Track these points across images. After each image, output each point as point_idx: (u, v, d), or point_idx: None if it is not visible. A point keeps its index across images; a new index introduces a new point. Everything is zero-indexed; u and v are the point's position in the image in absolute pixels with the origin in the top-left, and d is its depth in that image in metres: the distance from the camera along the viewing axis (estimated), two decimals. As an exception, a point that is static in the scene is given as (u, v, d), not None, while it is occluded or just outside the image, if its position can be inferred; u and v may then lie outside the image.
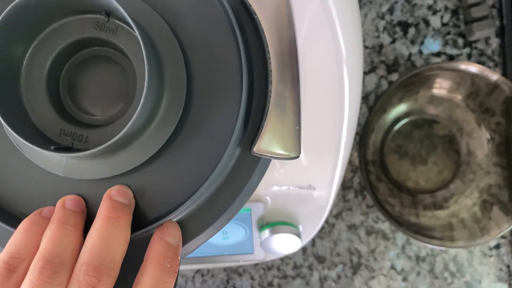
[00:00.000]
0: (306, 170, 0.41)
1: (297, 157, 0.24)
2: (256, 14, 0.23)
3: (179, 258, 0.21)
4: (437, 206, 0.58)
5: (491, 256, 0.60)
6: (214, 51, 0.23)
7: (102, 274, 0.19)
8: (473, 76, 0.52)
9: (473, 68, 0.51)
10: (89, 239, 0.20)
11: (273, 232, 0.44)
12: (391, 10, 0.59)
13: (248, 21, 0.24)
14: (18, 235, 0.21)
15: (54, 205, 0.22)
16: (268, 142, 0.22)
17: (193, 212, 0.23)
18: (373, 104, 0.58)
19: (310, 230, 0.47)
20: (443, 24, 0.58)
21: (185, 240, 0.23)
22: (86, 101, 0.24)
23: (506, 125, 0.54)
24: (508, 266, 0.60)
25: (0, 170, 0.23)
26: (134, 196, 0.23)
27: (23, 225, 0.21)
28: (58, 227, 0.20)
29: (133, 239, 0.21)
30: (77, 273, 0.19)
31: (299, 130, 0.23)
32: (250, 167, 0.23)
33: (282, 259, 0.61)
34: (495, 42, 0.58)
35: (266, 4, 0.23)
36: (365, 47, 0.59)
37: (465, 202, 0.57)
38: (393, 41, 0.59)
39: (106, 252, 0.20)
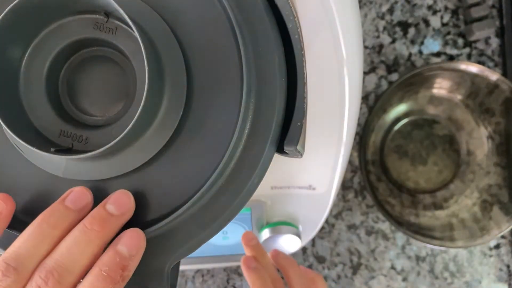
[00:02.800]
0: (306, 170, 0.41)
1: (302, 155, 0.24)
2: (295, 16, 0.23)
3: (127, 268, 0.21)
4: (437, 206, 0.58)
5: (491, 256, 0.60)
6: (214, 51, 0.23)
7: (52, 279, 0.19)
8: (473, 76, 0.52)
9: (473, 68, 0.50)
10: (61, 243, 0.20)
11: (273, 232, 0.44)
12: (391, 10, 0.59)
13: (247, 21, 0.24)
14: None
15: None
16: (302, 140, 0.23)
17: (194, 212, 0.23)
18: (373, 104, 0.58)
19: (310, 230, 0.47)
20: (443, 24, 0.58)
21: (186, 241, 0.23)
22: (86, 102, 0.24)
23: (506, 125, 0.54)
24: (508, 266, 0.60)
25: None
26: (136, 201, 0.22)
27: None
28: (35, 227, 0.20)
29: None
30: (35, 273, 0.19)
31: (302, 126, 0.24)
32: (251, 168, 0.23)
33: (282, 259, 0.61)
34: (495, 42, 0.58)
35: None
36: (365, 47, 0.59)
37: (465, 202, 0.57)
38: (393, 41, 0.59)
39: (64, 260, 0.20)
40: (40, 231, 0.20)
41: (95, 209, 0.21)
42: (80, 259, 0.20)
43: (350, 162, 0.59)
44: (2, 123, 0.20)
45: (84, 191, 0.22)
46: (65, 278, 0.19)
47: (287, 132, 0.24)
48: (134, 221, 0.22)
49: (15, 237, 0.21)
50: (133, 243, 0.21)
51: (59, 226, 0.21)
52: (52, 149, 0.21)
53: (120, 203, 0.22)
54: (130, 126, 0.20)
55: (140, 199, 0.23)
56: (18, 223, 0.22)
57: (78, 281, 0.20)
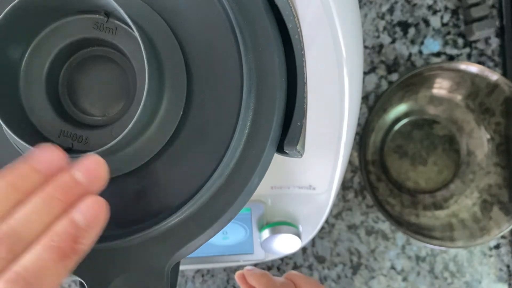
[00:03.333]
0: (306, 170, 0.41)
1: (302, 155, 0.24)
2: (295, 17, 0.23)
3: (81, 240, 0.18)
4: (437, 206, 0.58)
5: (491, 256, 0.60)
6: (214, 51, 0.23)
7: (4, 246, 0.17)
8: (473, 76, 0.52)
9: (473, 68, 0.50)
10: (19, 208, 0.18)
11: (273, 232, 0.44)
12: (391, 10, 0.59)
13: (248, 21, 0.24)
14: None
15: None
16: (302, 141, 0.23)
17: (194, 212, 0.23)
18: (373, 104, 0.58)
19: (310, 230, 0.47)
20: (443, 24, 0.58)
21: (186, 241, 0.23)
22: (86, 102, 0.24)
23: (506, 125, 0.54)
24: (508, 266, 0.60)
25: None
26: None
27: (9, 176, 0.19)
28: None
29: (126, 244, 0.21)
30: None
31: (302, 126, 0.24)
32: (251, 168, 0.23)
33: (282, 259, 0.61)
34: (495, 42, 0.58)
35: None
36: (365, 47, 0.59)
37: (465, 202, 0.57)
38: (393, 41, 0.59)
39: (20, 227, 0.18)
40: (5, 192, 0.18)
41: (61, 175, 0.19)
42: (37, 228, 0.18)
43: (350, 162, 0.59)
44: (2, 123, 0.20)
45: (59, 152, 0.19)
46: (17, 246, 0.18)
47: (287, 132, 0.24)
48: (134, 221, 0.22)
49: None
50: (91, 212, 0.19)
51: (21, 189, 0.18)
52: None
53: (89, 169, 0.19)
54: (130, 126, 0.20)
55: (140, 199, 0.23)
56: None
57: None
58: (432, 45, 0.58)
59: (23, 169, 0.19)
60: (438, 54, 0.58)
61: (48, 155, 0.19)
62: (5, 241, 0.17)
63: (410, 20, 0.59)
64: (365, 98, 0.59)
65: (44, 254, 0.18)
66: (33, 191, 0.19)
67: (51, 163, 0.19)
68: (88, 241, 0.19)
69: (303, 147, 0.24)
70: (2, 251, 0.17)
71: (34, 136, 0.22)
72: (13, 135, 0.20)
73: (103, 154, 0.21)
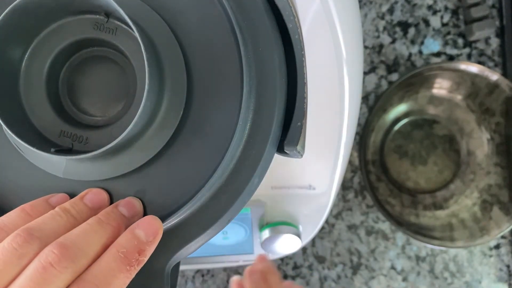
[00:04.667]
0: (306, 170, 0.41)
1: (302, 155, 0.24)
2: (295, 17, 0.23)
3: (144, 253, 0.21)
4: (437, 206, 0.58)
5: (491, 256, 0.60)
6: (214, 51, 0.23)
7: (66, 255, 0.18)
8: (473, 76, 0.52)
9: (473, 68, 0.51)
10: (76, 228, 0.20)
11: (273, 232, 0.44)
12: (391, 10, 0.59)
13: (247, 21, 0.24)
14: (12, 212, 0.21)
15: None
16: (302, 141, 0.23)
17: (194, 213, 0.23)
18: (373, 104, 0.58)
19: (310, 230, 0.47)
20: (443, 24, 0.58)
21: (186, 241, 0.23)
22: (86, 102, 0.24)
23: (506, 125, 0.54)
24: (508, 266, 0.60)
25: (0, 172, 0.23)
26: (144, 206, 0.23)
27: (24, 205, 0.21)
28: (54, 212, 0.21)
29: None
30: (45, 248, 0.19)
31: (302, 126, 0.24)
32: (251, 168, 0.23)
33: (282, 259, 0.61)
34: (495, 42, 0.58)
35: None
36: (365, 47, 0.59)
37: (465, 202, 0.57)
38: (393, 41, 0.59)
39: (80, 240, 0.19)
40: (58, 214, 0.20)
41: (108, 208, 0.22)
42: (94, 243, 0.20)
43: (350, 162, 0.59)
44: (2, 124, 0.20)
45: (102, 192, 0.22)
46: (78, 257, 0.19)
47: (287, 132, 0.24)
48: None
49: None
50: (151, 228, 0.21)
51: (77, 218, 0.21)
52: (52, 149, 0.21)
53: (131, 206, 0.22)
54: (130, 126, 0.20)
55: (140, 199, 0.23)
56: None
57: (89, 265, 0.20)
58: (432, 45, 0.58)
59: (76, 204, 0.21)
60: (438, 54, 0.58)
61: (95, 194, 0.22)
62: (67, 250, 0.19)
63: (410, 20, 0.59)
64: (365, 98, 0.59)
65: (113, 264, 0.19)
66: (80, 217, 0.21)
67: (99, 201, 0.22)
68: (148, 254, 0.21)
69: (303, 147, 0.24)
70: (62, 260, 0.18)
71: (34, 136, 0.22)
72: (13, 135, 0.20)
73: (103, 154, 0.21)
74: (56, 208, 0.21)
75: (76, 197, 0.22)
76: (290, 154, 0.24)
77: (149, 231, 0.21)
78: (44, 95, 0.22)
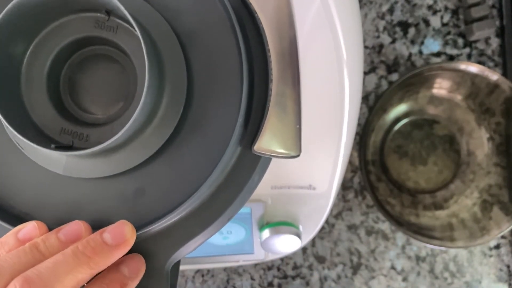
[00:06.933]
0: (306, 170, 0.41)
1: (298, 155, 0.24)
2: (256, 13, 0.23)
3: (126, 286, 0.21)
4: (437, 206, 0.58)
5: (491, 256, 0.60)
6: (215, 50, 0.23)
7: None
8: (473, 76, 0.52)
9: (473, 68, 0.51)
10: (49, 259, 0.20)
11: (273, 232, 0.44)
12: (391, 10, 0.59)
13: (249, 20, 0.24)
14: None
15: (54, 204, 0.22)
16: (268, 141, 0.22)
17: (194, 211, 0.23)
18: (373, 104, 0.58)
19: (310, 230, 0.47)
20: (443, 24, 0.58)
21: (186, 239, 0.23)
22: (87, 100, 0.24)
23: (506, 125, 0.54)
24: (508, 266, 0.60)
25: (0, 169, 0.23)
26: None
27: None
28: (21, 249, 0.20)
29: None
30: (11, 283, 0.19)
31: (299, 129, 0.23)
32: (251, 166, 0.23)
33: (282, 259, 0.61)
34: (495, 42, 0.58)
35: (267, 3, 0.23)
36: (365, 47, 0.59)
37: (465, 202, 0.57)
38: (393, 41, 0.59)
39: (48, 273, 0.19)
40: (24, 250, 0.20)
41: (92, 235, 0.21)
42: (64, 279, 0.19)
43: (350, 162, 0.59)
44: (3, 120, 0.20)
45: (78, 223, 0.22)
46: None
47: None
48: (135, 219, 0.22)
49: None
50: (134, 265, 0.22)
51: (45, 254, 0.20)
52: (53, 146, 0.21)
53: (117, 232, 0.21)
54: (130, 122, 0.20)
55: (140, 197, 0.23)
56: (18, 220, 0.22)
57: None
58: (432, 45, 0.59)
59: (49, 239, 0.21)
60: (438, 54, 0.58)
61: (72, 228, 0.22)
62: (29, 285, 0.18)
63: (410, 20, 0.59)
64: (365, 98, 0.59)
65: None
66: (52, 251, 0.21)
67: (74, 235, 0.21)
68: None
69: (295, 149, 0.24)
70: None
71: (35, 133, 0.22)
72: (15, 132, 0.20)
73: (103, 152, 0.21)
74: (26, 245, 0.20)
75: (52, 230, 0.21)
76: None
77: (132, 268, 0.22)
78: (45, 92, 0.22)
